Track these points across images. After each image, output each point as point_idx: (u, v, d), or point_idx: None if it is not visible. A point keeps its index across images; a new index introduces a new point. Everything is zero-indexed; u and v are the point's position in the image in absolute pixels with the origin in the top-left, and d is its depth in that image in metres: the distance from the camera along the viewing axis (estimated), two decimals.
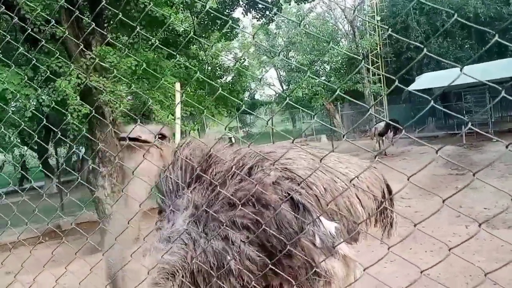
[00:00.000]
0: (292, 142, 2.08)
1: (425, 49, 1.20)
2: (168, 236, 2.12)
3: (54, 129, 3.14)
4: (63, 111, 5.98)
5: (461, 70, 1.15)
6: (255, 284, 2.10)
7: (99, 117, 6.57)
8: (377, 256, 1.61)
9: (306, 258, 2.09)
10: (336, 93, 1.41)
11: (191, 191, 2.22)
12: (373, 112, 16.69)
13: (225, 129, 2.15)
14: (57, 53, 5.82)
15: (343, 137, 1.39)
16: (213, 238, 2.06)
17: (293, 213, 2.10)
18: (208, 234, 2.10)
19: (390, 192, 2.92)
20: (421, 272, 1.49)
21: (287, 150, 2.42)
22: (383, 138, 16.32)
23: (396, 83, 1.26)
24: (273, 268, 1.94)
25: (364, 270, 2.36)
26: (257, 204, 2.04)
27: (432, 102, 1.26)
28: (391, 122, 14.55)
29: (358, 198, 2.41)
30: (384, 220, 2.91)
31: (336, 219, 2.25)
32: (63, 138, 8.07)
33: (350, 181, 2.37)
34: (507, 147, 1.15)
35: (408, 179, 1.43)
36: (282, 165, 2.26)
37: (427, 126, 23.53)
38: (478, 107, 19.43)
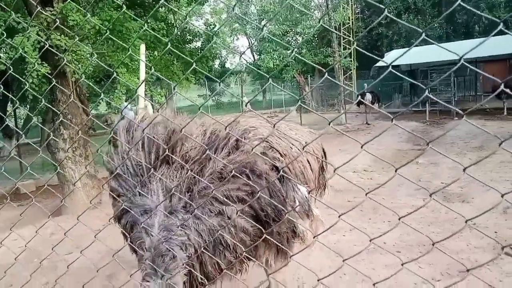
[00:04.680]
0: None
1: (423, 34, 1.21)
2: (165, 229, 1.97)
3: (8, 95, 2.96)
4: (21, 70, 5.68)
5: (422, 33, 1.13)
6: (246, 255, 2.12)
7: (60, 76, 6.28)
8: (337, 226, 1.62)
9: (290, 223, 2.21)
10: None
11: (162, 174, 2.08)
12: (343, 85, 16.84)
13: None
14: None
15: (329, 124, 1.38)
16: (206, 216, 2.00)
17: (279, 182, 2.17)
18: (197, 213, 2.00)
19: (325, 156, 3.11)
20: (370, 240, 1.53)
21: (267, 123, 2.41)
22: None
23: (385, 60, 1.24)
24: (267, 236, 1.95)
25: (314, 237, 2.49)
26: (251, 175, 2.03)
27: (427, 92, 1.25)
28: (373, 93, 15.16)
29: (309, 163, 2.48)
30: (320, 181, 3.05)
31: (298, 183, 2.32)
32: (21, 98, 7.70)
33: (303, 148, 2.43)
34: (463, 116, 1.15)
35: (361, 147, 1.44)
36: (261, 135, 2.27)
37: (393, 102, 24.05)
38: (443, 85, 19.94)
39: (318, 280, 1.47)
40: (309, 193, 2.39)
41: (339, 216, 1.44)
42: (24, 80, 3.97)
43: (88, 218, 6.03)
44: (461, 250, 4.45)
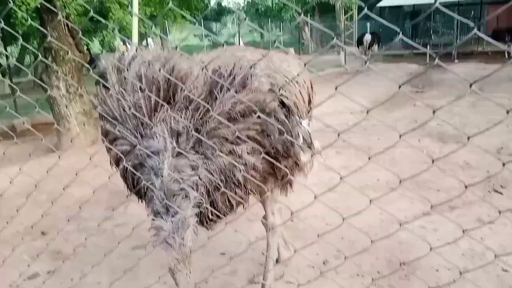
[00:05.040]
0: None
1: None
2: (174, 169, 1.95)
3: None
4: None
5: None
6: (253, 191, 2.18)
7: (50, 11, 6.04)
8: (330, 164, 1.61)
9: (295, 157, 2.24)
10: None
11: (166, 115, 2.00)
12: (343, 26, 16.40)
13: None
14: None
15: (344, 66, 1.31)
16: (216, 156, 1.98)
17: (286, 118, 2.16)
18: (207, 153, 1.99)
19: (312, 87, 3.09)
20: (341, 178, 1.53)
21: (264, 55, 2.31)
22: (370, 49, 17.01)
23: None
24: (276, 172, 2.03)
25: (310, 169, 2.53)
26: (261, 114, 1.96)
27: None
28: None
29: (301, 95, 2.45)
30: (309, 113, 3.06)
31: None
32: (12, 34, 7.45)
33: (292, 79, 2.41)
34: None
35: (335, 88, 1.39)
36: (265, 70, 2.18)
37: (394, 44, 23.53)
38: (446, 27, 19.47)
39: (314, 197, 1.48)
40: (309, 125, 2.38)
41: (338, 135, 1.41)
42: (14, 12, 3.81)
43: (86, 155, 6.06)
44: (452, 188, 4.55)
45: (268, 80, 2.12)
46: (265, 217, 2.87)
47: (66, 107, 6.99)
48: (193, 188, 1.96)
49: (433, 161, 1.31)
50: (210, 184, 2.01)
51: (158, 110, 2.02)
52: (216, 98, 2.00)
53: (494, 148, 5.73)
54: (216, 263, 3.25)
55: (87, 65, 2.35)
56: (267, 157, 2.02)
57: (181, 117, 1.99)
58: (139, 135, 2.03)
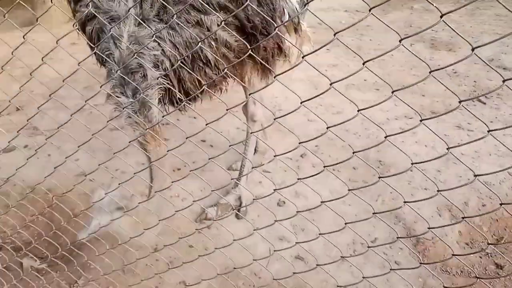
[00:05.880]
0: None
1: None
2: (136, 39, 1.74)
3: None
4: None
5: None
6: (228, 72, 1.97)
7: None
8: (318, 61, 1.48)
9: (277, 38, 2.00)
10: None
11: None
12: None
13: None
14: None
15: None
16: (181, 27, 1.75)
17: None
18: (172, 23, 1.75)
19: None
20: (331, 84, 1.42)
21: None
22: None
23: None
24: (252, 53, 1.74)
25: (303, 57, 2.38)
26: None
27: None
28: None
29: None
30: None
31: None
32: None
33: None
34: None
35: None
36: None
37: None
38: None
39: (301, 103, 1.39)
40: (300, 4, 2.14)
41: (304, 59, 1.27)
42: None
43: (63, 32, 5.71)
44: (437, 94, 4.53)
45: None
46: (245, 106, 2.77)
47: None
48: (156, 64, 1.80)
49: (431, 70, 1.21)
50: (175, 59, 1.81)
51: None
52: None
53: (484, 59, 5.62)
54: (195, 149, 3.26)
55: None
56: (237, 35, 1.81)
57: None
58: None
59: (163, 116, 1.78)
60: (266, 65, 1.99)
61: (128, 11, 1.71)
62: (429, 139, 3.63)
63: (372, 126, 3.78)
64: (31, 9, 6.12)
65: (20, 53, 2.43)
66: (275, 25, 1.85)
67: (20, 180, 2.92)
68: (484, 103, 4.41)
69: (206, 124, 1.51)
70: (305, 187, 2.88)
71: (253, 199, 2.96)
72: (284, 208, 2.92)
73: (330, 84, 1.28)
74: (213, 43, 1.83)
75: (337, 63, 5.12)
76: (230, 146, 1.87)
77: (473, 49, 1.09)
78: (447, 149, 1.15)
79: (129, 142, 1.76)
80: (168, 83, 1.87)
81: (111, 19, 1.78)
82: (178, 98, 1.99)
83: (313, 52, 1.89)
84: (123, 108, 1.81)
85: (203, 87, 1.94)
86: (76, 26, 2.04)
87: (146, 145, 1.94)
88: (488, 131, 1.08)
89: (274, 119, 1.39)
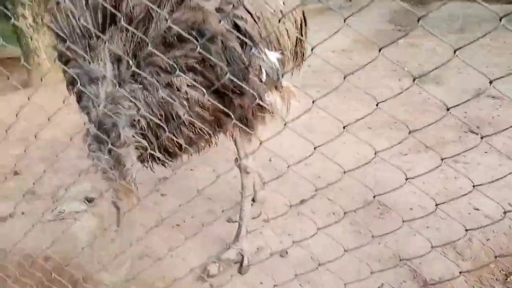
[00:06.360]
0: None
1: None
2: (111, 98, 1.79)
3: None
4: None
5: None
6: (208, 131, 1.98)
7: None
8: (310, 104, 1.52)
9: (254, 95, 1.95)
10: None
11: (110, 36, 1.79)
12: None
13: None
14: None
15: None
16: (153, 87, 1.79)
17: (241, 47, 1.88)
18: (145, 83, 1.80)
19: (306, 22, 2.80)
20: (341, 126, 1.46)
21: None
22: None
23: None
24: (226, 110, 1.72)
25: (287, 121, 2.42)
26: (200, 39, 1.70)
27: None
28: None
29: (286, 29, 2.24)
30: (298, 51, 2.80)
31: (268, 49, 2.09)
32: None
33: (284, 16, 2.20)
34: None
35: (344, 20, 1.27)
36: None
37: None
38: None
39: (314, 148, 1.40)
40: (281, 61, 2.16)
41: (313, 102, 1.32)
42: None
43: (57, 93, 5.83)
44: (429, 128, 4.58)
45: None
46: (237, 159, 2.77)
47: (35, 40, 6.58)
48: (132, 123, 1.83)
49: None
50: (150, 119, 1.83)
51: (106, 29, 1.80)
52: (153, 18, 1.76)
53: (472, 90, 5.74)
54: (193, 202, 3.25)
55: None
56: (208, 94, 1.80)
57: (122, 39, 1.78)
58: (88, 57, 1.83)
59: (165, 177, 1.82)
60: (240, 124, 1.99)
61: (106, 72, 1.78)
62: (426, 175, 3.63)
63: (368, 166, 3.78)
64: (27, 71, 6.22)
65: (15, 117, 2.48)
66: (247, 84, 1.88)
67: (18, 249, 2.88)
68: (477, 134, 4.46)
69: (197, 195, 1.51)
70: (306, 235, 2.87)
71: (255, 252, 2.93)
72: (286, 260, 2.88)
73: (344, 127, 1.31)
74: (185, 102, 1.85)
75: (328, 105, 5.21)
76: (225, 209, 1.91)
77: (448, 109, 1.13)
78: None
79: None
80: (146, 141, 1.90)
81: (90, 80, 1.83)
82: (157, 156, 2.01)
83: (323, 96, 1.92)
84: (98, 163, 1.85)
85: (183, 146, 1.98)
86: (67, 86, 2.13)
87: (117, 202, 1.97)
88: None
89: (287, 166, 1.40)
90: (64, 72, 2.06)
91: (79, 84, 1.79)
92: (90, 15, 1.82)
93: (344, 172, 1.36)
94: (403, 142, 4.29)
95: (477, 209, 3.16)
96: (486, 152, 3.96)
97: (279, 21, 2.15)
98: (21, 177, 4.02)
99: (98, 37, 1.79)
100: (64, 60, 1.98)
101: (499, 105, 5.05)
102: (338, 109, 5.08)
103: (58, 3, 1.89)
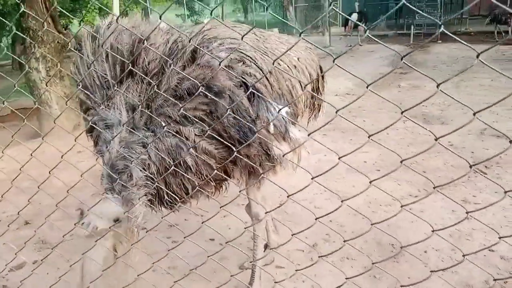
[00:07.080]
0: None
1: None
2: (124, 146, 1.92)
3: None
4: None
5: None
6: (214, 178, 2.05)
7: None
8: (317, 146, 1.58)
9: (262, 146, 2.07)
10: None
11: (127, 87, 1.94)
12: (328, 5, 16.25)
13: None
14: None
15: (300, 35, 1.22)
16: (163, 135, 1.91)
17: (249, 100, 1.99)
18: (156, 131, 1.92)
19: (323, 76, 2.93)
20: (339, 158, 1.50)
21: (235, 29, 2.17)
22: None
23: None
24: (232, 159, 1.84)
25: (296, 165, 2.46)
26: (209, 93, 1.81)
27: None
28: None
29: (299, 80, 2.33)
30: (315, 103, 2.94)
31: (281, 103, 2.16)
32: None
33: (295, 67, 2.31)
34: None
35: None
36: (230, 45, 2.00)
37: (378, 25, 23.49)
38: (430, 7, 19.47)
39: (320, 185, 1.44)
40: (289, 114, 2.23)
41: (308, 134, 1.37)
42: None
43: (69, 141, 5.94)
44: (438, 169, 4.60)
45: (233, 56, 1.95)
46: (248, 206, 2.77)
47: (47, 91, 6.79)
48: (143, 167, 1.93)
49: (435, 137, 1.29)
50: (160, 164, 1.94)
51: (123, 81, 1.95)
52: (165, 73, 1.91)
53: (477, 129, 5.80)
54: (206, 249, 3.23)
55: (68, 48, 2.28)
56: (216, 144, 1.92)
57: (137, 90, 1.93)
58: (105, 105, 1.98)
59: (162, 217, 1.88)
60: (256, 170, 2.05)
61: (122, 119, 1.93)
62: (438, 216, 3.62)
63: (380, 209, 3.79)
64: (38, 121, 6.37)
65: (27, 165, 2.54)
66: (252, 135, 1.94)
67: None
68: (485, 173, 4.47)
69: (203, 222, 1.53)
70: (322, 280, 2.82)
71: None
72: None
73: (371, 181, 1.32)
74: (192, 151, 1.94)
75: (335, 148, 5.26)
76: (226, 242, 1.92)
77: (436, 139, 1.16)
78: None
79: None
80: (156, 186, 1.98)
81: (106, 126, 1.97)
82: (166, 200, 2.08)
83: (302, 144, 1.97)
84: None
85: (191, 192, 2.06)
86: (86, 132, 2.25)
87: (117, 245, 2.01)
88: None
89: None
90: (84, 119, 2.16)
91: (97, 128, 1.94)
92: (109, 68, 1.98)
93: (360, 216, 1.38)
94: (413, 184, 4.31)
95: (492, 251, 3.11)
96: (496, 192, 3.95)
97: (291, 75, 2.26)
98: (33, 225, 4.03)
99: (115, 88, 1.94)
100: (85, 108, 2.13)
101: (505, 144, 5.09)
102: (345, 151, 5.11)
103: (81, 57, 2.03)
